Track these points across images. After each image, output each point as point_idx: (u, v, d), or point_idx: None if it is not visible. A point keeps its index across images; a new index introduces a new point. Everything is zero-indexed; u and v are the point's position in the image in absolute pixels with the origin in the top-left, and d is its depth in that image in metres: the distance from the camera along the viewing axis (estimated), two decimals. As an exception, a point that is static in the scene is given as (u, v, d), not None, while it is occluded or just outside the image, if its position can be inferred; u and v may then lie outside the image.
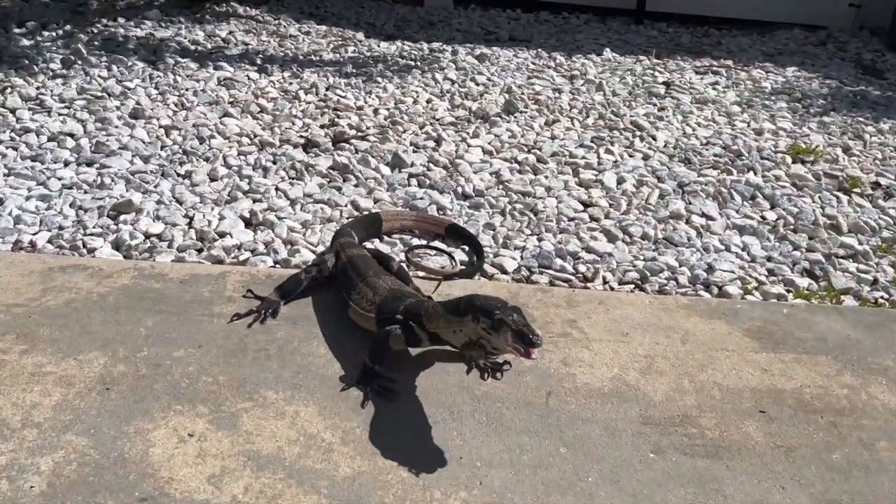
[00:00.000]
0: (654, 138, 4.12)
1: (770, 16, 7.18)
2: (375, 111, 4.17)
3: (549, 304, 2.62)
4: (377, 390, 2.13)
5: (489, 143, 3.87)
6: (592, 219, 3.26)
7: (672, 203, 3.41)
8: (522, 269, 2.86)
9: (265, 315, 2.40)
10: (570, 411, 2.12)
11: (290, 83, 4.44)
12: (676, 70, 5.51)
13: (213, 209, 3.03)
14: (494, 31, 6.32)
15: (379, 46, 5.43)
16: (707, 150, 4.05)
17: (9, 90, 3.90)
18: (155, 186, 3.14)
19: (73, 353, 2.17)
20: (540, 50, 5.79)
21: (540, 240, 3.06)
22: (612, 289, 2.81)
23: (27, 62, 4.28)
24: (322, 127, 3.84)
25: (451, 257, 2.87)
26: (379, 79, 4.70)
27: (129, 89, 4.06)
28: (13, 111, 3.69)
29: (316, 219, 3.03)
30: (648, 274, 2.88)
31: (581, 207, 3.34)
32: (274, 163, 3.45)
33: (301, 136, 3.71)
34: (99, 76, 4.20)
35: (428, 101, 4.39)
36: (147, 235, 2.83)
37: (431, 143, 3.81)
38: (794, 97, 5.05)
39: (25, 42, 4.62)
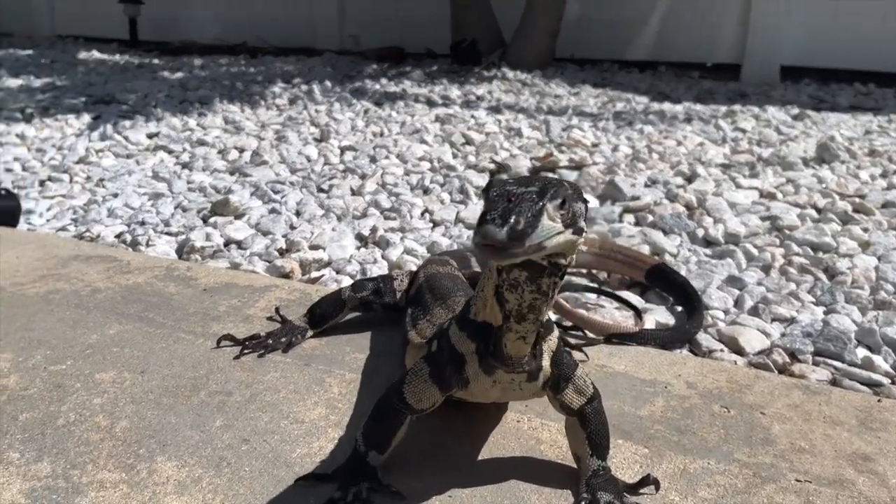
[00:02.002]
0: None
1: None
2: (615, 148, 3.07)
3: (816, 416, 1.23)
4: (352, 502, 0.99)
5: (775, 187, 2.50)
6: (951, 295, 1.73)
7: None
8: (776, 351, 1.48)
9: (269, 346, 1.42)
10: None
11: (518, 122, 3.57)
12: None
13: (329, 222, 2.20)
14: (828, 101, 4.81)
15: (661, 106, 4.34)
16: None
17: (212, 115, 3.64)
18: (281, 197, 2.43)
19: (-21, 350, 1.42)
20: (893, 115, 4.16)
21: (829, 312, 1.64)
22: (983, 416, 1.28)
23: (258, 98, 4.06)
24: (532, 159, 2.85)
25: (637, 312, 1.61)
26: (640, 125, 3.59)
27: (336, 120, 3.55)
28: (205, 128, 3.37)
29: (453, 244, 2.01)
30: None
31: (928, 275, 1.81)
32: (442, 185, 2.54)
33: (493, 162, 2.76)
34: (314, 110, 3.80)
35: (698, 146, 3.15)
36: (227, 242, 2.08)
37: (679, 181, 2.57)
38: None
39: (276, 89, 4.49)
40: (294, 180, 2.62)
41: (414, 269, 1.85)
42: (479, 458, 1.11)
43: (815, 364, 1.45)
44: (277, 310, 1.56)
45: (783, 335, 1.55)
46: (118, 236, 2.15)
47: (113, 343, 1.46)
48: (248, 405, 1.25)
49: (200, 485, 1.05)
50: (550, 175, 2.63)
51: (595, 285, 1.77)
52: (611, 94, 4.72)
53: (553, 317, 1.52)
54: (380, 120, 3.58)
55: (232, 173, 2.74)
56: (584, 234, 0.88)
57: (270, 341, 1.43)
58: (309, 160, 2.89)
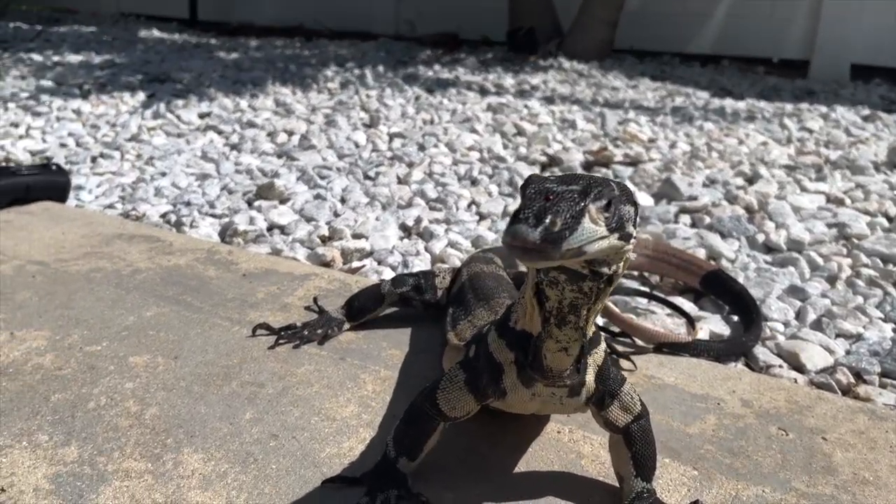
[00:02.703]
0: None
1: None
2: (672, 145, 2.95)
3: (882, 443, 1.13)
4: (384, 509, 0.95)
5: (844, 192, 2.36)
6: None
7: None
8: (840, 370, 1.38)
9: (305, 337, 1.38)
10: None
11: (573, 114, 3.46)
12: None
13: (373, 210, 2.16)
14: (902, 102, 4.57)
15: (722, 101, 4.18)
16: None
17: (263, 97, 3.63)
18: (328, 182, 2.39)
19: (18, 327, 1.42)
20: (976, 119, 3.93)
21: (900, 330, 1.53)
22: None
23: (310, 81, 4.04)
24: (586, 152, 2.76)
25: (690, 320, 1.52)
26: (700, 121, 3.46)
27: (387, 105, 3.50)
28: (256, 110, 3.37)
29: (499, 238, 1.95)
30: None
31: None
32: (490, 176, 2.47)
33: (545, 155, 2.68)
34: (365, 95, 3.76)
35: (760, 145, 3.01)
36: (271, 227, 2.06)
37: (739, 181, 2.46)
38: None
39: (328, 72, 4.47)
40: (341, 166, 2.58)
41: (458, 264, 1.80)
42: (516, 469, 1.05)
43: (882, 386, 1.35)
44: (315, 300, 1.52)
45: (848, 353, 1.45)
46: (163, 216, 2.14)
47: (149, 326, 1.44)
48: (280, 398, 1.21)
49: (225, 480, 1.02)
50: (604, 170, 2.54)
51: (646, 289, 1.68)
52: (670, 88, 4.57)
53: (601, 321, 1.44)
54: (430, 107, 3.52)
55: (279, 156, 2.71)
56: (632, 240, 0.80)
57: (306, 332, 1.39)
58: (357, 146, 2.85)
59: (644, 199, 2.26)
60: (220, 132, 3.05)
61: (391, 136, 2.98)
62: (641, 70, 5.30)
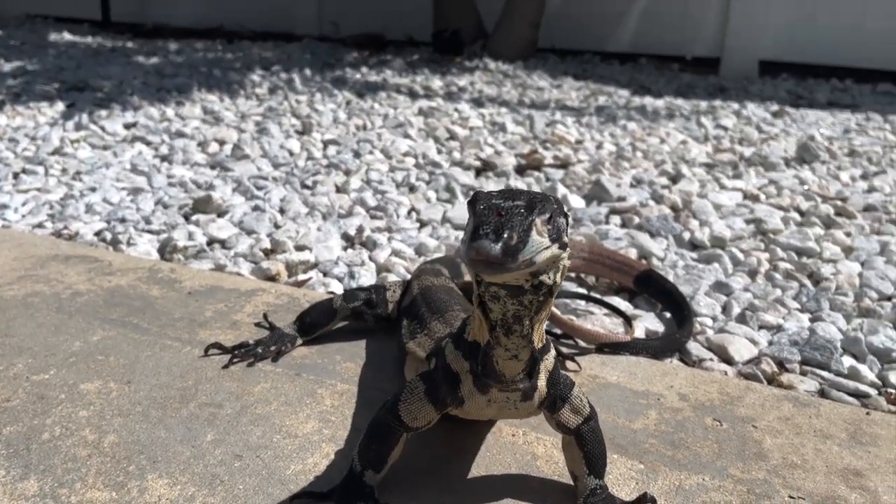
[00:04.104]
0: None
1: None
2: (599, 146, 3.07)
3: (807, 428, 1.24)
4: (352, 524, 0.98)
5: (759, 189, 2.52)
6: (932, 302, 1.76)
7: None
8: (765, 360, 1.49)
9: (259, 354, 1.40)
10: None
11: (502, 117, 3.55)
12: None
13: (314, 221, 2.17)
14: (806, 97, 4.86)
15: (642, 100, 4.35)
16: None
17: (190, 104, 3.57)
18: (265, 193, 2.39)
19: (-43, 358, 1.38)
20: (871, 114, 4.22)
21: (815, 319, 1.66)
22: (967, 428, 1.31)
23: (237, 87, 3.99)
24: (518, 156, 2.84)
25: (627, 319, 1.61)
26: (623, 121, 3.60)
27: (318, 111, 3.50)
28: (183, 118, 3.31)
29: (441, 245, 2.00)
30: None
31: (910, 282, 1.84)
32: (428, 182, 2.52)
33: (479, 160, 2.74)
34: (295, 100, 3.75)
35: (680, 143, 3.16)
36: (210, 241, 2.04)
37: (664, 181, 2.58)
38: None
39: (255, 77, 4.42)
40: (277, 176, 2.58)
41: (403, 272, 1.84)
42: (476, 474, 1.11)
43: (803, 374, 1.47)
44: (266, 316, 1.54)
45: (770, 343, 1.56)
46: (97, 234, 2.10)
47: (97, 350, 1.43)
48: (240, 418, 1.23)
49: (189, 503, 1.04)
50: (536, 174, 2.62)
51: (584, 291, 1.77)
52: (592, 87, 4.71)
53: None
54: (362, 112, 3.54)
55: (213, 167, 2.69)
56: (567, 248, 0.87)
57: (259, 349, 1.41)
58: (291, 154, 2.85)
59: (575, 201, 2.35)
60: (148, 143, 2.99)
61: (325, 143, 2.99)
62: (564, 69, 5.44)
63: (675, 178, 2.62)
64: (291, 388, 1.32)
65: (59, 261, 1.85)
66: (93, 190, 2.43)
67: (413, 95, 4.04)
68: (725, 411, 1.28)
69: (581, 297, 1.70)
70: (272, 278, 1.83)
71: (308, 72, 4.65)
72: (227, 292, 1.69)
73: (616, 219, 2.23)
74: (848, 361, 1.50)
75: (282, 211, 2.28)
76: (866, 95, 5.03)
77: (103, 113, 3.40)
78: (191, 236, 2.05)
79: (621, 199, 2.34)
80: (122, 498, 1.04)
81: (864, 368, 1.47)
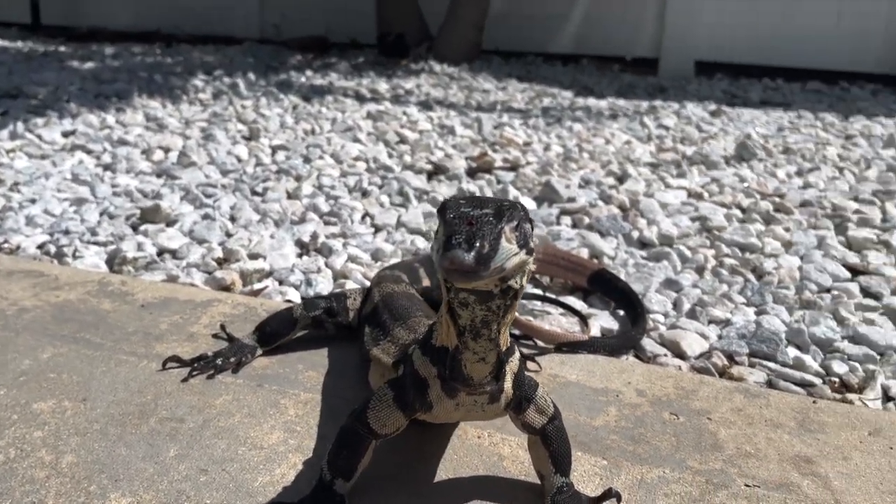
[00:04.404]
0: None
1: None
2: (546, 147, 3.12)
3: (758, 419, 1.29)
4: (323, 533, 0.98)
5: (702, 186, 2.60)
6: (867, 293, 1.84)
7: None
8: (716, 353, 1.55)
9: (219, 366, 1.38)
10: None
11: (451, 120, 3.57)
12: None
13: (266, 228, 2.15)
14: (741, 96, 5.03)
15: (585, 101, 4.43)
16: None
17: (131, 111, 3.49)
18: (214, 201, 2.36)
19: None
20: (802, 111, 4.39)
21: (760, 313, 1.72)
22: (903, 411, 1.39)
23: (179, 92, 3.92)
24: (467, 159, 2.86)
25: (583, 318, 1.65)
26: (569, 122, 3.66)
27: (265, 116, 3.46)
28: (125, 126, 3.23)
29: (398, 250, 2.01)
30: None
31: (847, 274, 1.93)
32: (380, 186, 2.52)
33: (430, 163, 2.76)
34: (241, 105, 3.70)
35: (625, 144, 3.24)
36: (161, 251, 2.00)
37: (611, 181, 2.64)
38: None
39: (197, 82, 4.34)
40: (226, 183, 2.54)
41: (360, 278, 1.84)
42: (444, 477, 1.12)
43: (752, 366, 1.53)
44: (223, 327, 1.52)
45: (720, 337, 1.62)
46: (41, 247, 2.04)
47: (48, 368, 1.39)
48: (202, 432, 1.21)
49: (159, 522, 1.02)
50: (487, 176, 2.65)
51: (539, 291, 1.80)
52: (537, 89, 4.78)
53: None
54: (310, 116, 3.52)
55: (159, 175, 2.63)
56: (533, 254, 0.89)
57: (219, 361, 1.39)
58: (239, 160, 2.81)
59: (527, 203, 2.38)
60: (89, 152, 2.91)
61: (274, 149, 2.96)
62: (508, 71, 5.50)
63: (621, 179, 2.68)
64: (254, 400, 1.31)
65: (2, 276, 1.79)
66: (33, 201, 2.36)
67: (360, 99, 4.03)
68: (681, 405, 1.33)
69: (537, 297, 1.73)
70: (227, 288, 1.81)
71: (252, 76, 4.60)
72: (181, 304, 1.66)
73: (567, 219, 2.27)
74: (793, 352, 1.56)
75: (232, 219, 2.25)
76: (797, 94, 5.24)
77: (39, 121, 3.29)
78: (140, 247, 2.00)
79: (571, 199, 2.38)
80: (85, 519, 1.02)
81: (808, 358, 1.53)
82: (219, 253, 1.98)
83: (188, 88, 4.08)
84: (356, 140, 3.10)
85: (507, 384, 0.99)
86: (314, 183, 2.55)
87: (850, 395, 1.43)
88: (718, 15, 5.85)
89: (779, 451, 1.20)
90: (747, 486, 1.12)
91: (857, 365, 1.52)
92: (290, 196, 2.44)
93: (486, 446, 1.19)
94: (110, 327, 1.55)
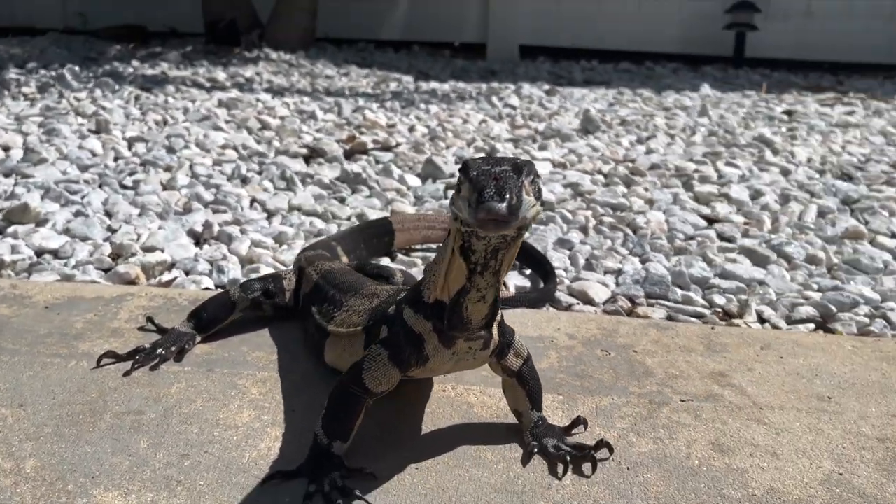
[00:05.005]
0: (793, 154, 2.99)
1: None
2: (411, 128, 3.21)
3: (673, 346, 1.47)
4: (328, 493, 1.01)
5: (562, 157, 2.82)
6: (722, 238, 2.13)
7: (840, 221, 2.26)
8: (619, 298, 1.73)
9: (161, 356, 1.34)
10: (755, 553, 0.95)
11: (308, 105, 3.56)
12: (796, 103, 4.41)
13: (152, 221, 2.05)
14: (566, 77, 5.42)
15: (429, 84, 4.56)
16: (871, 166, 2.89)
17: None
18: (81, 197, 2.20)
19: None
20: (622, 88, 4.83)
21: (645, 261, 1.94)
22: (775, 329, 1.64)
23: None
24: (338, 141, 2.88)
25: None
26: (422, 105, 3.77)
27: (105, 108, 3.24)
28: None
29: (299, 232, 2.01)
30: (834, 309, 1.70)
31: (704, 223, 2.21)
32: (259, 172, 2.48)
33: (304, 147, 2.75)
34: (74, 98, 3.43)
35: (482, 122, 3.41)
36: (39, 252, 1.86)
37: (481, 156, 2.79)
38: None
39: (12, 75, 3.94)
40: (88, 178, 2.38)
41: (272, 262, 1.83)
42: (426, 430, 1.18)
43: (651, 305, 1.72)
44: (151, 319, 1.46)
45: (618, 284, 1.80)
46: None
47: (-36, 379, 1.27)
48: (168, 420, 1.18)
49: (157, 509, 1.00)
50: (364, 157, 2.69)
51: (450, 259, 1.89)
52: (380, 74, 4.85)
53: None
54: (157, 107, 3.34)
55: (7, 175, 2.40)
56: (544, 204, 0.98)
57: (160, 351, 1.35)
58: (94, 154, 2.63)
59: (412, 180, 2.46)
60: None
61: (130, 141, 2.79)
62: (344, 58, 5.51)
63: (490, 154, 2.83)
64: (210, 384, 1.28)
65: None
66: None
67: (200, 87, 3.88)
68: (608, 343, 1.48)
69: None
70: (132, 282, 1.72)
71: (76, 68, 4.25)
72: (90, 302, 1.56)
73: (452, 193, 2.37)
74: (679, 291, 1.78)
75: (108, 214, 2.12)
76: (611, 73, 5.73)
77: None
78: (14, 249, 1.84)
79: (453, 175, 2.49)
80: (75, 518, 0.97)
81: (693, 295, 1.75)
82: (107, 249, 1.87)
83: (8, 83, 3.70)
84: (217, 128, 3.00)
85: (495, 332, 1.08)
86: (187, 172, 2.45)
87: (735, 321, 1.66)
88: (538, 2, 6.23)
89: (698, 370, 1.39)
90: (682, 401, 1.29)
91: (732, 296, 1.76)
92: (165, 187, 2.33)
93: (454, 397, 1.27)
94: (18, 332, 1.43)
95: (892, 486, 1.09)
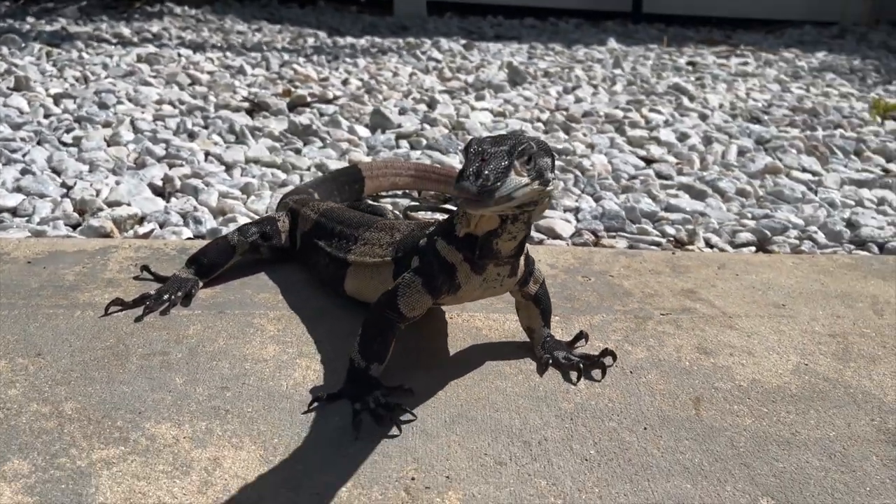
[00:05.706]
0: (706, 100, 3.22)
1: (778, 14, 6.52)
2: (345, 81, 3.22)
3: (643, 270, 1.62)
4: (374, 409, 1.08)
5: (499, 107, 2.92)
6: (661, 176, 2.30)
7: (758, 159, 2.48)
8: (584, 232, 1.86)
9: (170, 301, 1.35)
10: (747, 429, 1.10)
11: (234, 60, 3.48)
12: (696, 55, 4.69)
13: (106, 177, 2.01)
14: (477, 32, 5.50)
15: (345, 40, 4.53)
16: (775, 110, 3.16)
17: None
18: (23, 155, 2.11)
19: None
20: (534, 43, 4.96)
21: (598, 199, 2.08)
22: (723, 252, 1.82)
23: None
24: (275, 95, 2.86)
25: (475, 217, 1.86)
26: (347, 59, 3.77)
27: (15, 65, 3.05)
28: None
29: (264, 183, 2.02)
30: (769, 233, 1.90)
31: (643, 164, 2.37)
32: (205, 127, 2.44)
33: (245, 101, 2.72)
34: (-22, 54, 3.21)
35: (411, 75, 3.45)
36: (-5, 210, 1.79)
37: (423, 107, 2.85)
38: (841, 71, 4.25)
39: None
40: (24, 135, 2.27)
41: (244, 212, 1.84)
42: (446, 353, 1.27)
43: (612, 237, 1.87)
44: (147, 268, 1.46)
45: (579, 220, 1.94)
46: None
47: (-32, 333, 1.24)
48: (195, 358, 1.21)
49: (217, 433, 1.04)
50: (307, 111, 2.69)
51: (417, 203, 1.96)
52: (293, 30, 4.76)
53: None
54: (73, 63, 3.17)
55: (-71, 135, 2.26)
56: (551, 184, 1.04)
57: (168, 296, 1.36)
58: (22, 112, 2.50)
59: (362, 131, 2.49)
60: None
61: (56, 98, 2.66)
62: (252, 13, 5.35)
63: (430, 105, 2.89)
64: (227, 325, 1.32)
65: None
66: None
67: (111, 43, 3.70)
68: (587, 270, 1.61)
69: (426, 208, 1.90)
70: (107, 235, 1.70)
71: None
72: (73, 255, 1.54)
73: (404, 143, 2.43)
74: (634, 225, 1.93)
75: (56, 171, 2.05)
76: (520, 28, 5.85)
77: None
78: (-32, 209, 1.77)
79: (400, 125, 2.54)
80: (137, 448, 1.01)
81: (647, 227, 1.91)
82: (68, 205, 1.83)
83: None
84: (146, 83, 2.90)
85: (521, 260, 1.17)
86: (128, 128, 2.38)
87: (689, 247, 1.83)
88: (443, -44, 6.23)
89: (670, 289, 1.54)
90: (662, 315, 1.43)
91: (680, 227, 1.93)
92: (109, 143, 2.26)
93: (461, 323, 1.36)
94: (8, 287, 1.40)
95: (848, 370, 1.27)
